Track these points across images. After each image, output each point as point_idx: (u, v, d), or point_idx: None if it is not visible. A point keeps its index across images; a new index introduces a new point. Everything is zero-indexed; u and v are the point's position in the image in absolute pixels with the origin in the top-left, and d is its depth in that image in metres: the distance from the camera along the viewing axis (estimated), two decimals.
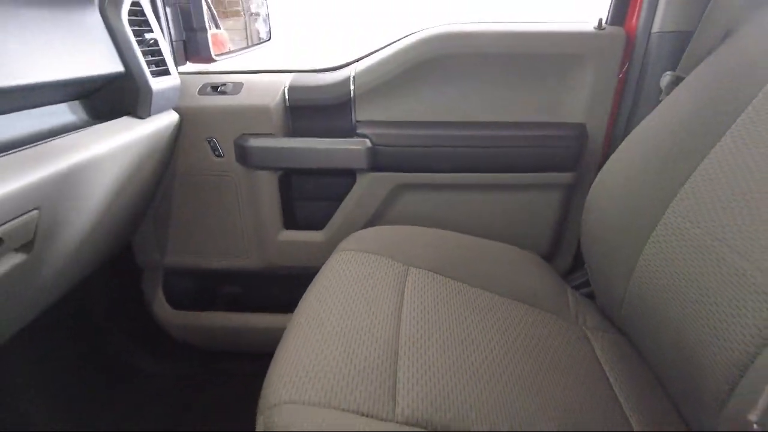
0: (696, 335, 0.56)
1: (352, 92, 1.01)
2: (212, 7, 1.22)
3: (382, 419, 0.52)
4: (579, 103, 0.99)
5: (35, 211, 0.64)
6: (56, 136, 0.72)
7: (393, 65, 0.99)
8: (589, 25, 0.97)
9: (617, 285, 0.76)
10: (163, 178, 1.06)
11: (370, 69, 1.00)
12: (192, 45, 1.14)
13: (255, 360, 1.20)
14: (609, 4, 0.98)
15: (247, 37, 1.38)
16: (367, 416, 0.52)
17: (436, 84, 1.00)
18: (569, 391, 0.64)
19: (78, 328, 1.15)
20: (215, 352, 1.22)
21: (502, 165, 1.01)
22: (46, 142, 0.69)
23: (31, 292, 0.74)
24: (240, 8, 1.41)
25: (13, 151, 0.63)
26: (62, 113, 0.80)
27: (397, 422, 0.52)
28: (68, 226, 0.75)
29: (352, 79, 1.01)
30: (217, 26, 1.25)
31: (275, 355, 0.62)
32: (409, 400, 0.55)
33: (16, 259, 0.66)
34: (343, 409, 0.52)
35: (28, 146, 0.66)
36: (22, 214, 0.61)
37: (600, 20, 0.96)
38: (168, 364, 1.21)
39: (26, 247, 0.67)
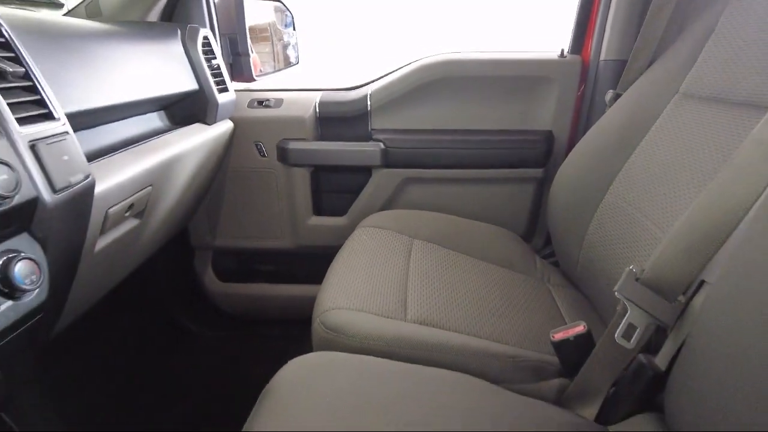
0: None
1: (368, 106, 1.28)
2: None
3: (398, 319, 0.78)
4: (547, 114, 1.26)
5: (150, 187, 0.90)
6: (155, 136, 0.99)
7: (401, 86, 1.26)
8: (554, 53, 1.24)
9: (573, 252, 1.02)
10: (217, 173, 1.32)
11: (382, 88, 1.28)
12: (237, 67, 1.41)
13: (286, 325, 1.46)
14: (570, 37, 1.25)
15: (274, 59, 1.66)
16: (387, 317, 0.78)
17: (436, 99, 1.27)
18: (532, 319, 0.89)
19: (142, 298, 1.40)
20: (253, 319, 1.47)
21: (487, 162, 1.27)
22: (152, 140, 0.96)
23: (136, 248, 1.00)
24: (268, 34, 1.69)
25: (135, 144, 0.90)
26: (156, 120, 1.07)
27: (407, 321, 0.78)
28: (162, 203, 1.02)
29: (368, 96, 1.28)
30: (251, 50, 1.52)
31: (322, 287, 0.88)
32: (415, 310, 0.81)
33: (134, 222, 0.92)
34: (372, 313, 0.78)
35: (143, 142, 0.93)
36: (143, 188, 0.88)
37: (562, 50, 1.24)
38: (214, 328, 1.46)
39: (140, 214, 0.93)
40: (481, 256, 1.07)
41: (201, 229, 1.39)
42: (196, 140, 1.08)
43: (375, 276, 0.90)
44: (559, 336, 0.71)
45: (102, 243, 0.81)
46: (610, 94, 1.11)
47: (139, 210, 0.92)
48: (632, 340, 0.61)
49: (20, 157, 0.55)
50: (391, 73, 1.31)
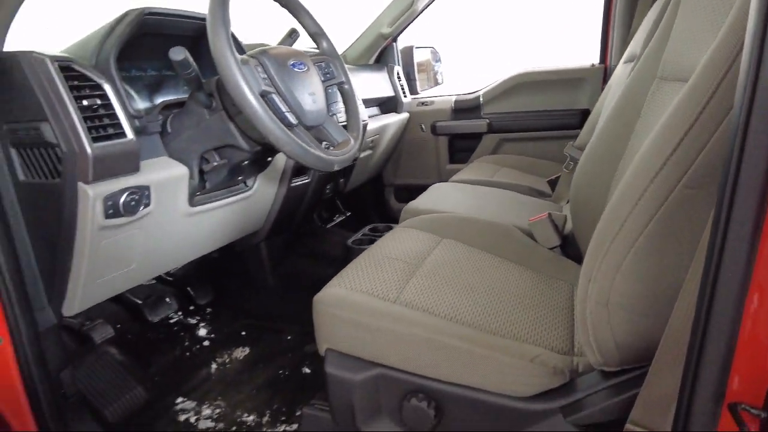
0: None
1: (480, 101, 2.34)
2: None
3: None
4: (584, 97, 2.19)
5: (377, 135, 2.07)
6: (375, 116, 2.16)
7: (498, 89, 2.30)
8: (588, 64, 2.18)
9: None
10: (399, 141, 2.47)
11: (488, 91, 2.33)
12: (410, 86, 2.58)
13: None
14: (599, 53, 2.18)
15: (428, 81, 2.79)
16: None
17: (518, 94, 2.28)
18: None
19: (356, 213, 2.60)
20: None
21: (548, 127, 2.24)
22: (378, 116, 2.13)
23: (366, 168, 2.18)
24: (425, 67, 2.83)
25: (373, 116, 2.08)
26: (375, 110, 2.25)
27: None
28: (378, 148, 2.18)
29: (480, 96, 2.34)
30: (416, 76, 2.67)
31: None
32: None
33: (369, 152, 2.08)
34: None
35: (374, 116, 2.10)
36: (376, 135, 2.04)
37: (593, 64, 2.18)
38: None
39: (371, 148, 2.10)
40: (531, 173, 2.05)
41: (389, 173, 2.56)
42: (393, 119, 2.23)
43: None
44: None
45: (361, 155, 1.98)
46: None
47: (372, 146, 2.08)
48: None
49: None
50: (492, 83, 2.36)
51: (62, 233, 0.93)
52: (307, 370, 1.42)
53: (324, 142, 1.11)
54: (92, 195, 0.89)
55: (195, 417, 1.24)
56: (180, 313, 1.65)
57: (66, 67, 0.89)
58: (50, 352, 1.02)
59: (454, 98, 2.40)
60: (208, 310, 1.69)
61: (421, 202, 1.54)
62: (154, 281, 1.63)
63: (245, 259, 1.67)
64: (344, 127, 1.20)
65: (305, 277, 1.70)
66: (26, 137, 0.89)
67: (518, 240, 1.25)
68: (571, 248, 1.27)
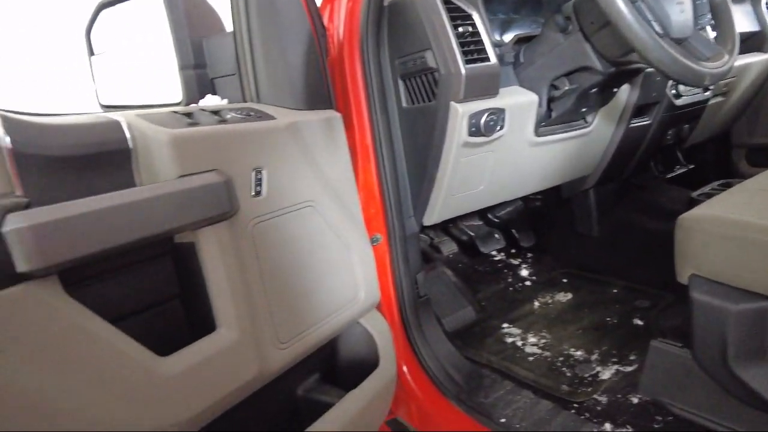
0: None
1: None
2: None
3: None
4: None
5: (734, 78, 1.72)
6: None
7: None
8: None
9: None
10: (760, 90, 2.01)
11: None
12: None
13: None
14: None
15: None
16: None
17: None
18: None
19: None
20: None
21: None
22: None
23: (717, 118, 1.84)
24: None
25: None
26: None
27: None
28: (737, 90, 1.82)
29: None
30: None
31: None
32: None
33: (720, 99, 1.76)
34: None
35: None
36: (729, 79, 1.70)
37: None
38: None
39: (725, 94, 1.76)
40: None
41: (740, 130, 2.11)
42: (757, 59, 1.81)
43: None
44: None
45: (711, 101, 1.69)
46: None
47: (726, 90, 1.74)
48: None
49: None
50: None
51: (432, 150, 1.09)
52: (639, 322, 1.31)
53: None
54: (461, 112, 1.01)
55: (521, 341, 1.30)
56: (503, 253, 1.75)
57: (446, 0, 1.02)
58: (411, 255, 1.21)
59: None
60: (529, 254, 1.74)
61: None
62: (481, 222, 1.76)
63: (571, 206, 1.65)
64: None
65: (636, 231, 1.57)
66: (413, 67, 1.07)
67: None
68: None
